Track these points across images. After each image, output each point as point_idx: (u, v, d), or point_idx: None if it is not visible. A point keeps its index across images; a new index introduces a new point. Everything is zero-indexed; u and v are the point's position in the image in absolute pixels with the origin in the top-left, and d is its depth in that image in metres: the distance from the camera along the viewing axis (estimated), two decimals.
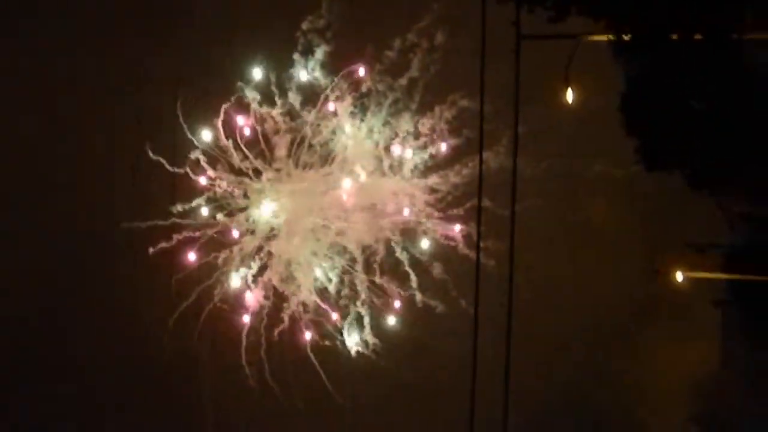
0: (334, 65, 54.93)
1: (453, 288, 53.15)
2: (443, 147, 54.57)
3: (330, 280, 56.56)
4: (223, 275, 56.26)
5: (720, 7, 39.24)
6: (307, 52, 54.48)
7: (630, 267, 50.25)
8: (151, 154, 54.50)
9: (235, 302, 56.17)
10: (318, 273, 56.57)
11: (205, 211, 55.87)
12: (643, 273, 49.55)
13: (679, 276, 48.39)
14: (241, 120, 55.21)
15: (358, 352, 55.55)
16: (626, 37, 40.10)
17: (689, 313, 49.88)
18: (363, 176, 55.90)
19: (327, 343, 55.94)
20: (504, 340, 35.72)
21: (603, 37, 41.11)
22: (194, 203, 55.85)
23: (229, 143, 55.26)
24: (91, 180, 55.72)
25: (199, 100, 54.78)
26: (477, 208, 37.57)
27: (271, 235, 56.94)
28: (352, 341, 55.12)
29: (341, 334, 55.23)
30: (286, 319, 56.17)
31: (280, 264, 56.74)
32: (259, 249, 56.76)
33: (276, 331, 56.04)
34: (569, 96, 42.86)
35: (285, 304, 56.34)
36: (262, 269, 56.68)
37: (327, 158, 56.25)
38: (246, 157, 55.81)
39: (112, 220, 55.10)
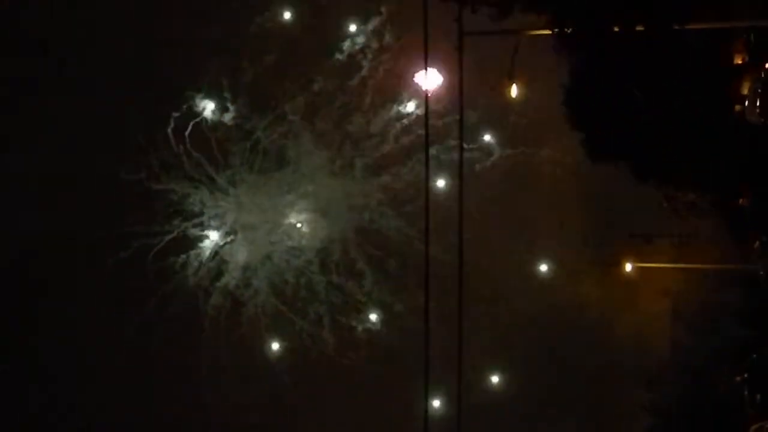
0: (284, 69, 54.48)
1: (409, 283, 52.82)
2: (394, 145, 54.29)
3: (287, 283, 56.05)
4: (181, 281, 55.63)
5: None
6: (258, 57, 54.00)
7: (579, 257, 50.08)
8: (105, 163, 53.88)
9: (194, 308, 55.66)
10: (274, 276, 56.11)
11: (161, 218, 55.43)
12: (592, 263, 49.40)
13: (628, 266, 48.32)
14: (193, 126, 54.74)
15: (320, 351, 55.19)
16: (568, 31, 39.60)
17: (638, 302, 49.79)
18: (316, 178, 55.55)
19: (287, 344, 55.46)
20: (456, 329, 35.16)
21: (546, 32, 40.66)
22: (150, 210, 55.26)
23: (181, 150, 54.68)
24: (50, 189, 55.11)
25: (150, 107, 54.11)
26: (425, 203, 36.93)
27: (227, 240, 56.37)
28: None
29: None
30: (244, 322, 55.62)
31: (237, 269, 56.17)
32: (215, 254, 56.20)
33: (235, 336, 55.51)
34: (514, 91, 42.40)
35: (243, 309, 55.79)
36: (219, 274, 56.10)
37: (280, 162, 55.74)
38: (200, 164, 55.21)
39: (70, 229, 54.54)
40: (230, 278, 55.88)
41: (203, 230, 55.91)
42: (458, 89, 38.34)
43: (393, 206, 54.52)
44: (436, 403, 45.38)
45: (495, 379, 52.31)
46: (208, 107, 54.26)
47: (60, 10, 53.43)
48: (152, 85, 53.45)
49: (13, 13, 54.01)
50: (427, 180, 38.36)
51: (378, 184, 54.62)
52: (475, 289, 41.13)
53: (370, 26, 53.28)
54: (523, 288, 51.14)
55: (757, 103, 40.55)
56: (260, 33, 53.47)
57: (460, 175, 37.81)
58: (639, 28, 38.80)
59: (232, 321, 55.40)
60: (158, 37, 52.90)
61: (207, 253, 55.88)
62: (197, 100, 54.03)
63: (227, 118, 54.64)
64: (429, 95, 42.13)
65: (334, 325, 55.26)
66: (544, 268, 51.74)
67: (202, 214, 55.84)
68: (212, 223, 56.05)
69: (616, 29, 39.08)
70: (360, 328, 54.90)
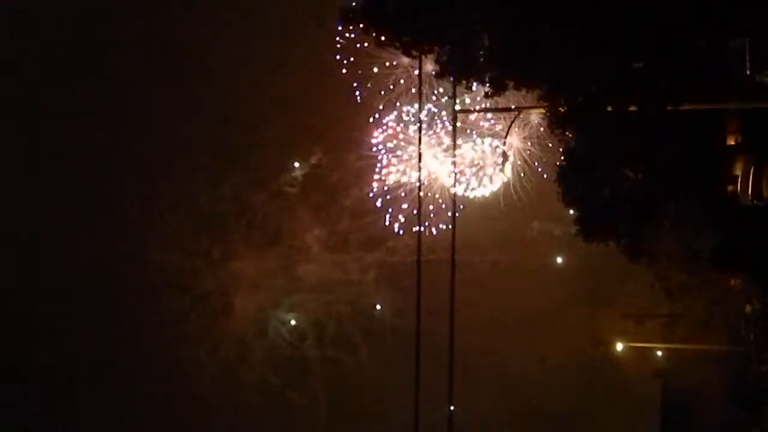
0: (284, 146, 54.30)
1: (403, 358, 52.11)
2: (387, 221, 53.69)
3: (282, 357, 55.61)
4: (175, 353, 55.14)
5: (654, 79, 38.69)
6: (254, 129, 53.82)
7: (570, 337, 49.56)
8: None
9: (188, 381, 55.15)
10: (269, 352, 55.66)
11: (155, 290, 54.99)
12: (583, 343, 48.88)
13: (619, 346, 47.82)
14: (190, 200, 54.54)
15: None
16: (562, 110, 39.36)
17: (629, 383, 49.18)
18: (313, 252, 55.17)
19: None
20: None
21: (539, 110, 40.58)
22: (144, 282, 54.86)
23: (177, 223, 54.44)
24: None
25: (146, 180, 54.12)
26: (417, 280, 36.58)
27: (223, 313, 55.97)
28: None
29: None
30: (239, 396, 55.07)
31: (233, 342, 55.72)
32: (210, 329, 55.78)
33: (230, 408, 55.00)
34: (508, 170, 42.33)
35: (238, 383, 55.26)
36: (215, 348, 55.64)
37: (276, 238, 55.40)
38: (196, 238, 54.99)
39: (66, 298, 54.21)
40: (224, 353, 55.39)
41: (198, 303, 55.48)
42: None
43: (388, 280, 53.91)
44: None
45: None
46: (204, 181, 54.06)
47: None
48: (147, 159, 53.51)
49: None
50: (419, 255, 37.84)
51: (373, 258, 54.10)
52: (465, 368, 40.48)
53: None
54: (511, 366, 50.60)
55: (750, 184, 40.22)
56: (255, 105, 53.37)
57: (452, 254, 37.41)
58: (632, 108, 38.57)
59: (227, 394, 54.80)
60: (151, 112, 53.02)
61: (202, 326, 55.44)
62: (192, 174, 53.90)
63: (224, 192, 54.43)
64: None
65: (328, 400, 54.72)
66: (533, 348, 51.20)
67: (196, 287, 55.43)
68: (207, 297, 55.64)
69: (609, 109, 38.84)
70: (355, 401, 54.35)
